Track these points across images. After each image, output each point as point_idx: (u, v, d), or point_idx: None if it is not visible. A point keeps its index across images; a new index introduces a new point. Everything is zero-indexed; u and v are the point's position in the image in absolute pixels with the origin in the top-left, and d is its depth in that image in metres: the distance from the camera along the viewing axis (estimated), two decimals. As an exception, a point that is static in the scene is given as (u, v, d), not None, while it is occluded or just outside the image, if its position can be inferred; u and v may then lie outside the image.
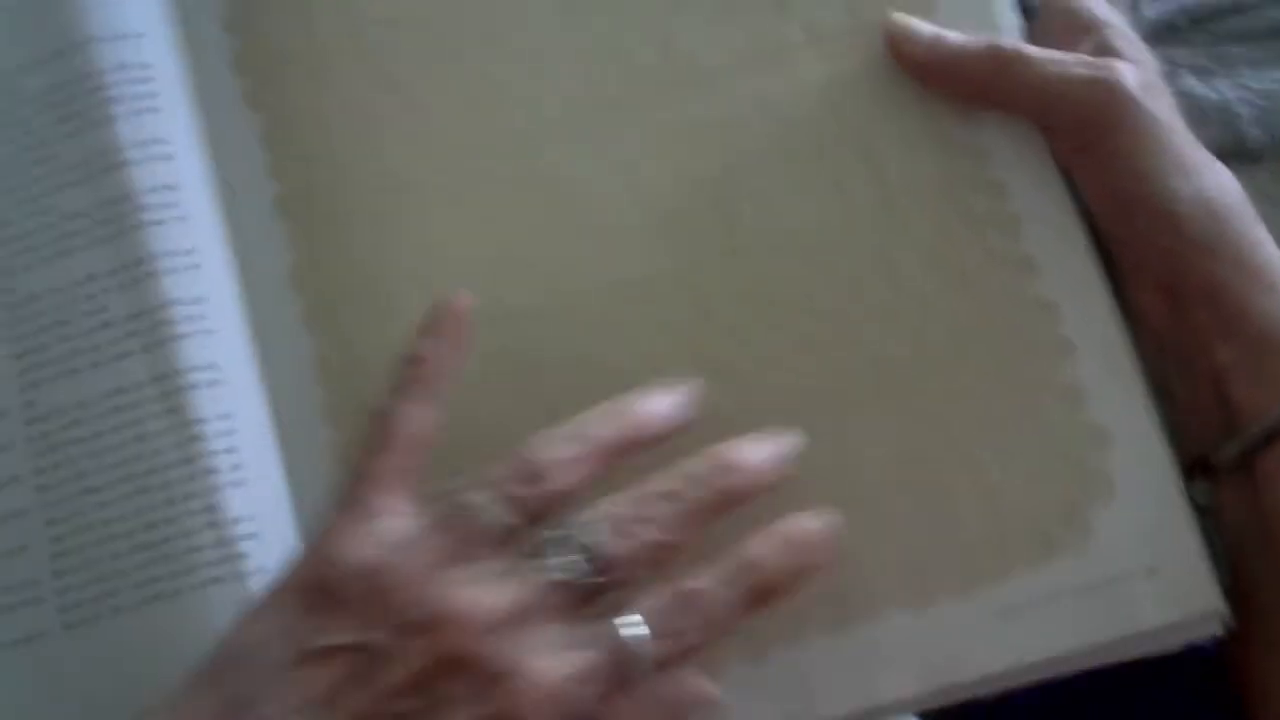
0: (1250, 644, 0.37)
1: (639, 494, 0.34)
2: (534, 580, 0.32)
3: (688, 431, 0.36)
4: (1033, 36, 0.40)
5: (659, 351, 0.39)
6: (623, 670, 0.32)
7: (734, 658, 0.37)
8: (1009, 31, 0.40)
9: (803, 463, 0.37)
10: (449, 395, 0.36)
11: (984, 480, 0.37)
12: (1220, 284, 0.37)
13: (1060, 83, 0.38)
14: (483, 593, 0.31)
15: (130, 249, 0.39)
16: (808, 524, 0.35)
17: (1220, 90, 0.60)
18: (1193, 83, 0.59)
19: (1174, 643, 0.36)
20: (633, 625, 0.32)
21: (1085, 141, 0.38)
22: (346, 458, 0.39)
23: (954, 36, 0.39)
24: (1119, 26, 0.40)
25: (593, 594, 0.32)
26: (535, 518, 0.33)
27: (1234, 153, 0.58)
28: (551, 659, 0.31)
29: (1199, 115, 0.60)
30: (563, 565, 0.32)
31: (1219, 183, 0.37)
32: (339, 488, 0.34)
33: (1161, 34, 0.64)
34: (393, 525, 0.33)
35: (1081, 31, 0.39)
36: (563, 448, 0.34)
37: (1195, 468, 0.37)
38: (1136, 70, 0.38)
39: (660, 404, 0.35)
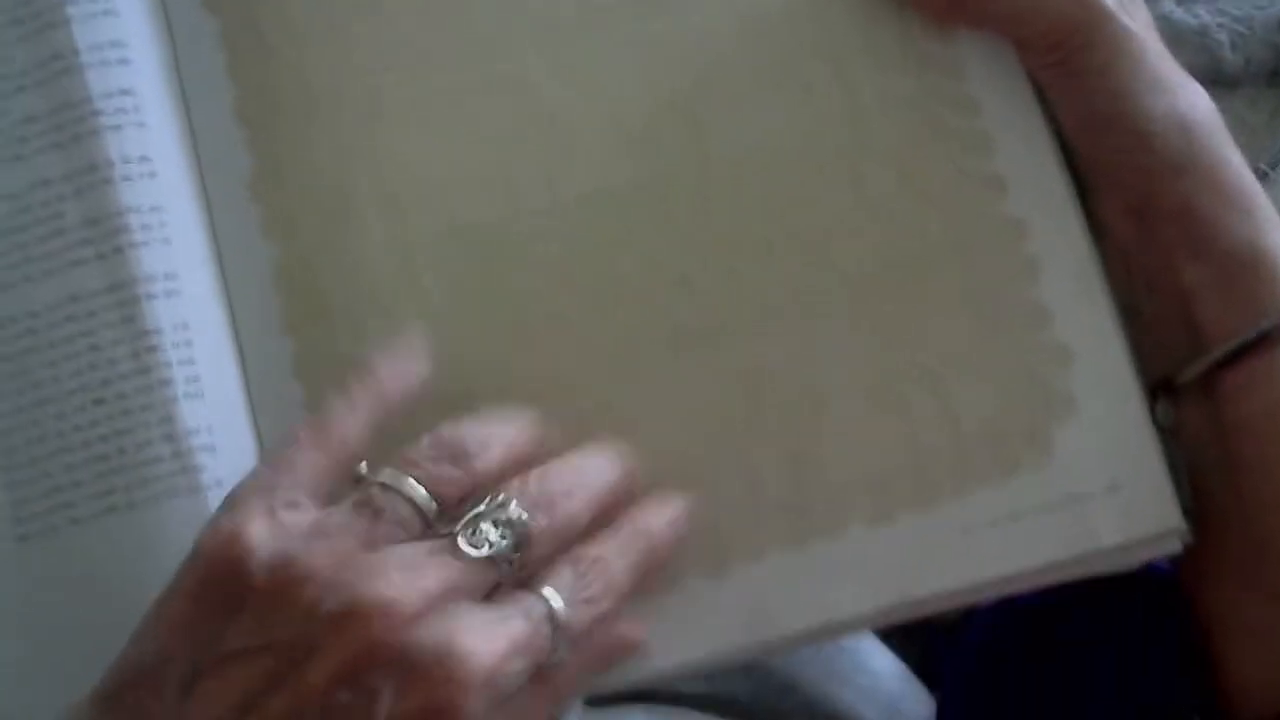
0: (1206, 564, 0.38)
1: (551, 471, 0.34)
2: (455, 561, 0.31)
3: None
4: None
5: (622, 265, 0.38)
6: (551, 640, 0.31)
7: (692, 573, 0.37)
8: (985, -53, 0.39)
9: (765, 376, 0.37)
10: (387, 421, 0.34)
11: (947, 397, 0.37)
12: (1190, 203, 0.36)
13: None
14: (404, 578, 0.30)
15: (85, 154, 0.38)
16: (673, 503, 0.36)
17: (1198, 14, 0.59)
18: (1171, 6, 0.59)
19: (1134, 560, 0.37)
20: (552, 597, 0.32)
21: (1059, 57, 0.37)
22: (303, 371, 0.38)
23: None
24: (1098, -58, 0.39)
25: (514, 570, 0.32)
26: (452, 501, 0.32)
27: (1211, 78, 0.57)
28: (482, 638, 0.30)
29: (1177, 39, 0.60)
30: (488, 542, 0.31)
31: (1192, 101, 0.37)
32: (252, 473, 0.32)
33: (1141, -43, 0.64)
34: (302, 515, 0.31)
35: None
36: (482, 431, 0.33)
37: (1159, 387, 0.37)
38: None
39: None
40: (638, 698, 0.44)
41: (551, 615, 0.32)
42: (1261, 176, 0.64)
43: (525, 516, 0.32)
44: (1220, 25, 0.59)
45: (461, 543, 0.31)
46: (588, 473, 0.34)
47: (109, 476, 0.37)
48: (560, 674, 0.33)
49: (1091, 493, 0.36)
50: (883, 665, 0.45)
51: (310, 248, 0.39)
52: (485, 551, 0.31)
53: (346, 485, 0.33)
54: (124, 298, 0.38)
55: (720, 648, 0.36)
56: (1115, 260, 0.38)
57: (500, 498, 0.32)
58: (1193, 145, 0.36)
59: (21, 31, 0.39)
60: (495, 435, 0.34)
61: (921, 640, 0.47)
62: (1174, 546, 0.37)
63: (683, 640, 0.36)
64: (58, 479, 0.37)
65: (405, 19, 0.40)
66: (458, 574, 0.31)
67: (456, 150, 0.39)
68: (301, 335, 0.39)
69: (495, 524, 0.32)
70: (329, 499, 0.33)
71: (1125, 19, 0.37)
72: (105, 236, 0.38)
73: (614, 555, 0.33)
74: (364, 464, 0.33)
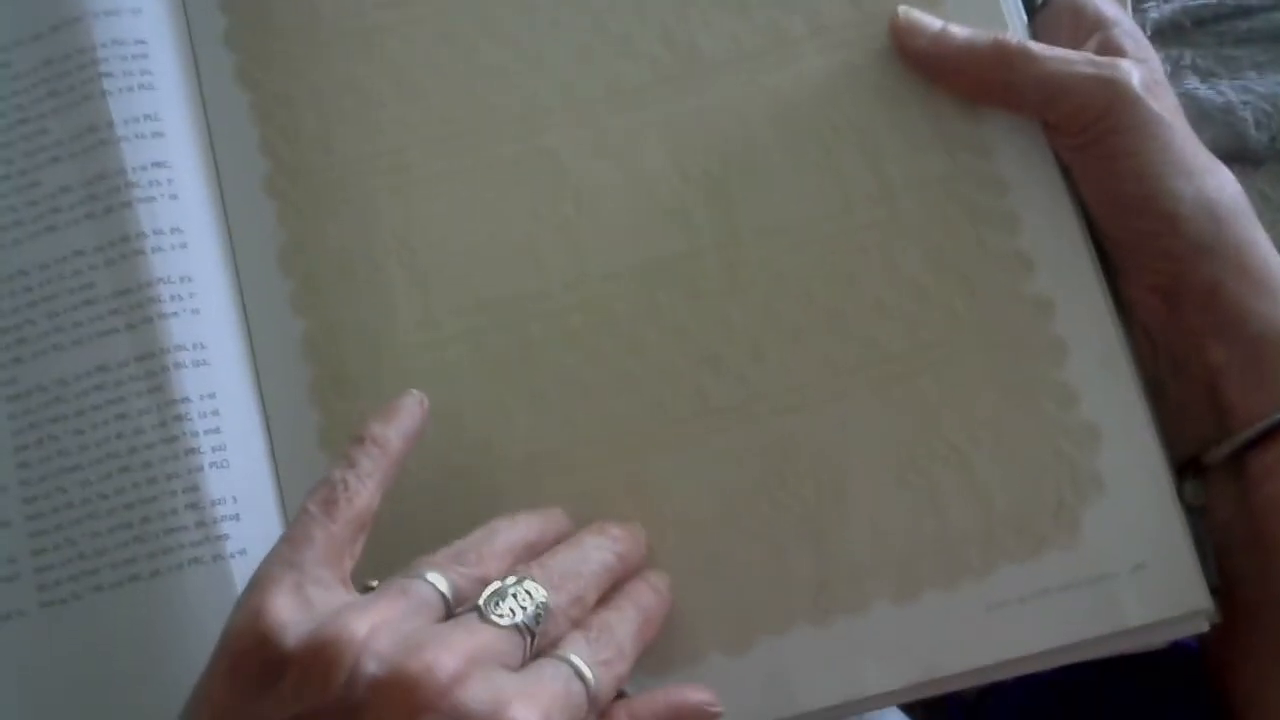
0: (1235, 643, 0.37)
1: (561, 553, 0.35)
2: (485, 628, 0.31)
3: None
4: (1038, 32, 0.40)
5: (651, 341, 0.38)
6: (585, 699, 0.32)
7: (716, 648, 0.37)
8: (1015, 27, 0.40)
9: (791, 452, 0.37)
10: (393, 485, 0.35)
11: (974, 475, 0.37)
12: (1218, 286, 0.36)
13: (1065, 80, 0.37)
14: (441, 642, 0.30)
15: (118, 226, 0.39)
16: (660, 575, 0.37)
17: (1224, 92, 0.59)
18: (1196, 84, 0.59)
19: (1160, 639, 0.36)
20: (575, 660, 0.32)
21: (1088, 140, 0.37)
22: (329, 442, 0.38)
23: (960, 31, 0.39)
24: (1125, 25, 0.39)
25: (535, 642, 0.32)
26: (467, 596, 0.33)
27: (1236, 155, 0.57)
28: (527, 700, 0.30)
29: (1202, 116, 0.60)
30: (511, 612, 0.32)
31: (1220, 184, 0.37)
32: (274, 551, 0.32)
33: (1166, 34, 0.64)
34: (329, 592, 0.32)
35: (1088, 29, 0.39)
36: (486, 542, 0.34)
37: (1187, 467, 0.37)
38: (1142, 69, 0.37)
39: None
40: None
41: (580, 676, 0.32)
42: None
43: (544, 591, 0.33)
44: (1245, 103, 0.60)
45: (488, 614, 0.32)
46: (591, 555, 0.35)
47: (133, 545, 0.37)
48: None
49: (1118, 572, 0.36)
50: (905, 739, 0.44)
51: (338, 320, 0.39)
52: (511, 621, 0.32)
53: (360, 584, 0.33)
54: (153, 367, 0.38)
55: None
56: (1141, 340, 0.38)
57: (519, 576, 0.33)
58: (1220, 228, 0.36)
59: (58, 104, 0.40)
60: (499, 539, 0.34)
61: (944, 713, 0.46)
62: (1200, 626, 0.36)
63: None
64: (82, 546, 0.37)
65: (435, 95, 0.40)
66: (489, 641, 0.31)
67: (484, 225, 0.40)
68: (328, 407, 0.39)
69: (516, 597, 0.32)
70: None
71: (1153, 103, 0.37)
72: (135, 307, 0.38)
73: (616, 622, 0.34)
74: (373, 581, 0.33)
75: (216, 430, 0.38)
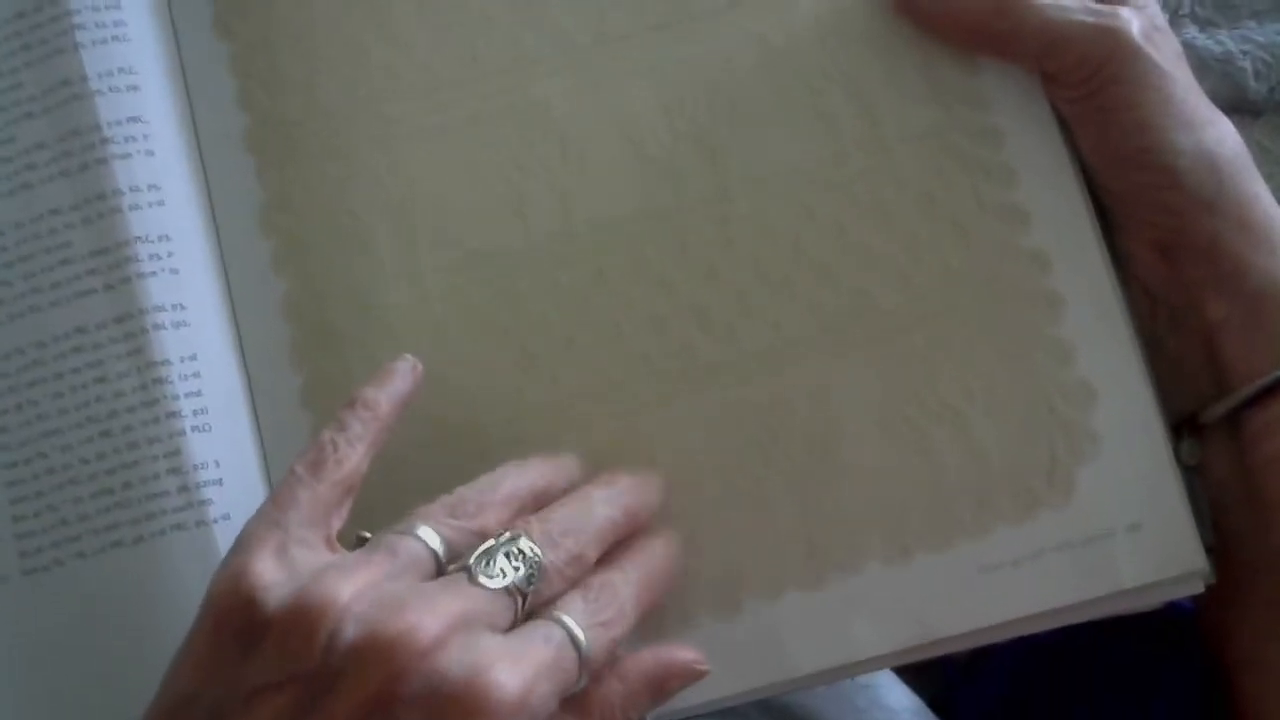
0: (1230, 603, 0.37)
1: (559, 510, 0.34)
2: (473, 590, 0.31)
3: None
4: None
5: (639, 294, 0.38)
6: (577, 664, 0.31)
7: (708, 613, 0.36)
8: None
9: (781, 410, 0.37)
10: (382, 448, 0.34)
11: (967, 434, 0.36)
12: (1218, 240, 0.36)
13: (1063, 28, 0.36)
14: (423, 606, 0.30)
15: (93, 183, 0.38)
16: (669, 534, 0.36)
17: (1223, 41, 0.59)
18: (1195, 33, 0.58)
19: (1155, 600, 0.36)
20: (569, 622, 0.31)
21: (1086, 91, 0.37)
22: (313, 402, 0.38)
23: None
24: (1125, -29, 0.38)
25: (528, 604, 0.32)
26: (462, 550, 0.32)
27: (1234, 105, 0.57)
28: (508, 664, 0.29)
29: (1200, 66, 0.59)
30: (502, 573, 0.31)
31: (1220, 137, 0.36)
32: (259, 512, 0.32)
33: (1165, -18, 0.63)
34: (313, 553, 0.31)
35: None
36: (489, 491, 0.33)
37: (1183, 425, 0.37)
38: (1141, 17, 0.37)
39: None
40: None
41: (572, 639, 0.31)
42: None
43: (538, 550, 0.32)
44: (1244, 53, 0.59)
45: (477, 575, 0.31)
46: (595, 510, 0.34)
47: (115, 510, 0.36)
48: (601, 703, 0.33)
49: (1113, 532, 0.36)
50: (898, 701, 0.44)
51: (321, 277, 0.39)
52: (501, 582, 0.31)
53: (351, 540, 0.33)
54: (131, 329, 0.37)
55: (736, 687, 0.36)
56: (1139, 296, 0.38)
57: (512, 533, 0.32)
58: (1221, 182, 0.36)
59: (29, 57, 0.39)
60: (503, 488, 0.34)
61: (937, 676, 0.46)
62: (1196, 587, 0.36)
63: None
64: (64, 512, 0.37)
65: (420, 45, 0.40)
66: (476, 603, 0.31)
67: (470, 177, 0.39)
68: (311, 366, 0.38)
69: (509, 556, 0.32)
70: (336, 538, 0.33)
71: (1154, 53, 0.36)
72: (113, 266, 0.37)
73: (619, 582, 0.33)
74: (366, 532, 0.33)
75: (198, 393, 0.37)
